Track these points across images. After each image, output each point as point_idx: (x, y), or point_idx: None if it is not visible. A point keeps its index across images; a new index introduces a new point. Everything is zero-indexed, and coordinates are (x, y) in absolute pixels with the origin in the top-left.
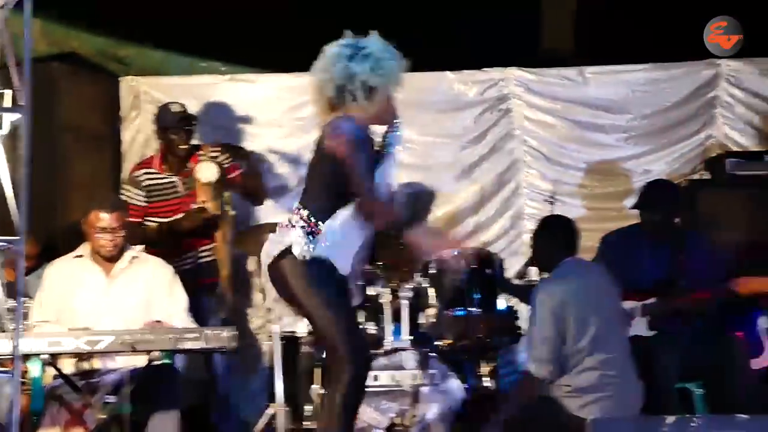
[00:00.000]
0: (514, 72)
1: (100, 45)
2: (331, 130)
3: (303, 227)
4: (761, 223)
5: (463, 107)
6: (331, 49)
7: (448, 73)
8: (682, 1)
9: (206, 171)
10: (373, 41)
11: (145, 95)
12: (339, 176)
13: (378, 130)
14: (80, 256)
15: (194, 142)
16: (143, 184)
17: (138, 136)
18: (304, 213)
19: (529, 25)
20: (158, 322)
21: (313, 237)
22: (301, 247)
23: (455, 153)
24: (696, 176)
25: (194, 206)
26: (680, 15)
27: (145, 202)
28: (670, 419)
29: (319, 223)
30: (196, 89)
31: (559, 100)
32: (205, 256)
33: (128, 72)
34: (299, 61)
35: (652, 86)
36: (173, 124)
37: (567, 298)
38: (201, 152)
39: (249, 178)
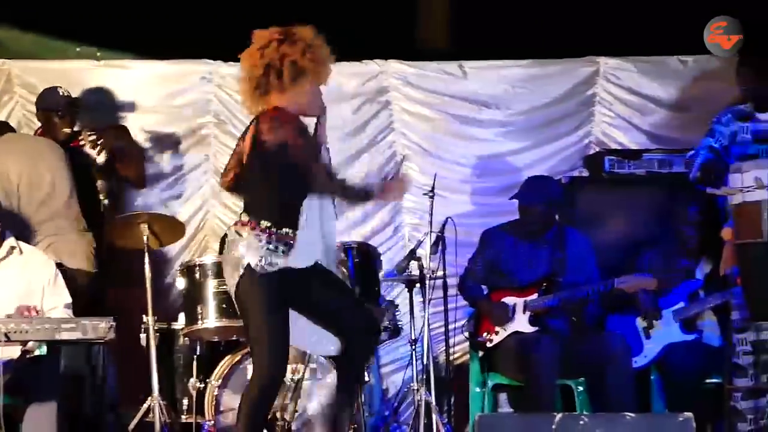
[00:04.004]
0: (393, 65)
1: None
2: (272, 122)
3: (265, 240)
4: (639, 221)
5: (342, 99)
6: (262, 34)
7: None
8: None
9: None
10: (306, 30)
11: (18, 79)
12: (290, 173)
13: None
14: None
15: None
16: None
17: (10, 121)
18: (264, 224)
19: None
20: (33, 307)
21: (285, 246)
22: (258, 258)
23: (335, 145)
24: (575, 173)
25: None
26: (560, 11)
27: None
28: (558, 416)
29: (287, 230)
30: (71, 74)
31: (438, 93)
32: None
33: (0, 55)
34: (174, 49)
35: (531, 82)
36: (60, 107)
37: None
38: (81, 137)
39: (130, 160)
